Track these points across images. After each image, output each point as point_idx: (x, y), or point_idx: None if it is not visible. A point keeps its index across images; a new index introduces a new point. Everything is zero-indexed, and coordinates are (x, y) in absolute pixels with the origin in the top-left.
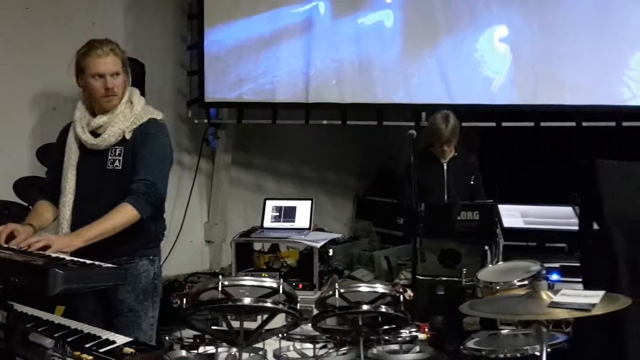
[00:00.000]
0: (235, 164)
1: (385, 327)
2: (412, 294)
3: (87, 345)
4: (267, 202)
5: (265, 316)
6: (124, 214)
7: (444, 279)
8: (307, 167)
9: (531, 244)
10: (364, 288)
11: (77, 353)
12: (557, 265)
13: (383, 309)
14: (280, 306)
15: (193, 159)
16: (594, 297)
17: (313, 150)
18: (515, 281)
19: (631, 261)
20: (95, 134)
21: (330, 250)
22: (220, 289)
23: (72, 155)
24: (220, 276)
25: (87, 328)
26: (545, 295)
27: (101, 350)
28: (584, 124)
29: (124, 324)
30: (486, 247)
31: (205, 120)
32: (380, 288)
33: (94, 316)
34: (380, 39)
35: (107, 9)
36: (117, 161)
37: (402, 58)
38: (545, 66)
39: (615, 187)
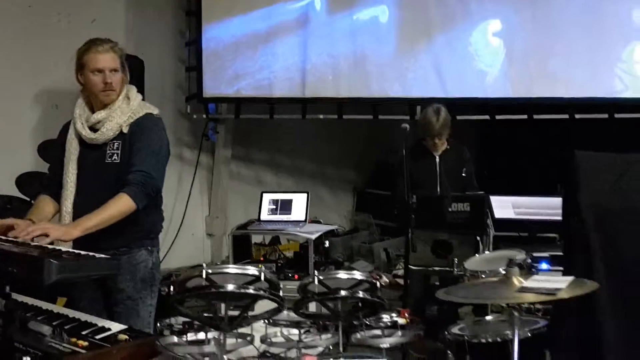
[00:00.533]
0: (235, 159)
1: (363, 311)
2: (387, 281)
3: (83, 333)
4: (264, 195)
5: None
6: (121, 204)
7: (437, 269)
8: (306, 161)
9: (523, 234)
10: (342, 275)
11: (74, 339)
12: (546, 254)
13: (360, 294)
14: (262, 292)
15: (193, 154)
16: (561, 282)
17: (312, 144)
18: (501, 269)
19: (606, 251)
20: (94, 129)
21: (327, 242)
22: (204, 276)
23: (72, 151)
24: (204, 264)
25: (84, 316)
26: (517, 281)
27: (97, 337)
28: (577, 116)
29: (124, 312)
30: (478, 238)
31: (204, 116)
32: (357, 275)
33: (94, 305)
34: (375, 34)
35: (108, 7)
36: (115, 155)
37: (397, 53)
38: (539, 59)
39: (592, 178)
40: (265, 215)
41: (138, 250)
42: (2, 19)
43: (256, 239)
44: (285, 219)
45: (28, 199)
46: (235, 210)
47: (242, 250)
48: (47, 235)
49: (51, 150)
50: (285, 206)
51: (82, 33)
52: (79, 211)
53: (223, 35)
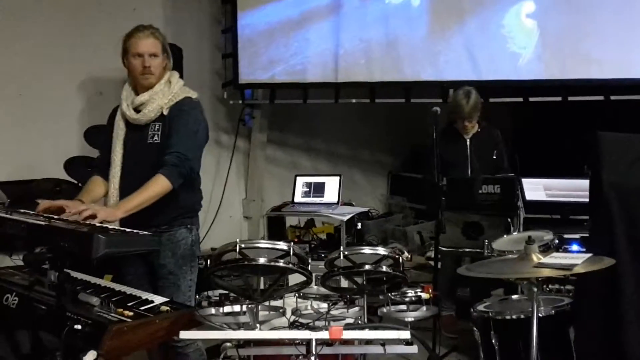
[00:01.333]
0: (270, 143)
1: (386, 285)
2: (409, 256)
3: (129, 304)
4: (298, 178)
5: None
6: (158, 185)
7: (468, 250)
8: (341, 144)
9: (555, 216)
10: (367, 250)
11: (120, 310)
12: (577, 236)
13: (383, 268)
14: (290, 266)
15: (230, 139)
16: (578, 258)
17: (347, 128)
18: None
19: (629, 230)
20: (138, 110)
21: (359, 224)
22: (237, 250)
23: (119, 132)
24: (237, 239)
25: (129, 290)
26: (535, 257)
27: (141, 308)
28: (613, 97)
29: (166, 286)
30: (509, 219)
31: (240, 101)
32: (381, 250)
33: (139, 280)
34: (407, 17)
35: None
36: (156, 135)
37: (429, 36)
38: (573, 40)
39: (613, 158)
40: (298, 198)
41: (178, 229)
42: (49, 13)
43: (292, 221)
44: (318, 201)
45: (75, 182)
46: (271, 193)
47: (276, 231)
48: (95, 217)
49: (99, 135)
50: (318, 189)
51: (123, 23)
52: (125, 189)
53: (257, 22)
